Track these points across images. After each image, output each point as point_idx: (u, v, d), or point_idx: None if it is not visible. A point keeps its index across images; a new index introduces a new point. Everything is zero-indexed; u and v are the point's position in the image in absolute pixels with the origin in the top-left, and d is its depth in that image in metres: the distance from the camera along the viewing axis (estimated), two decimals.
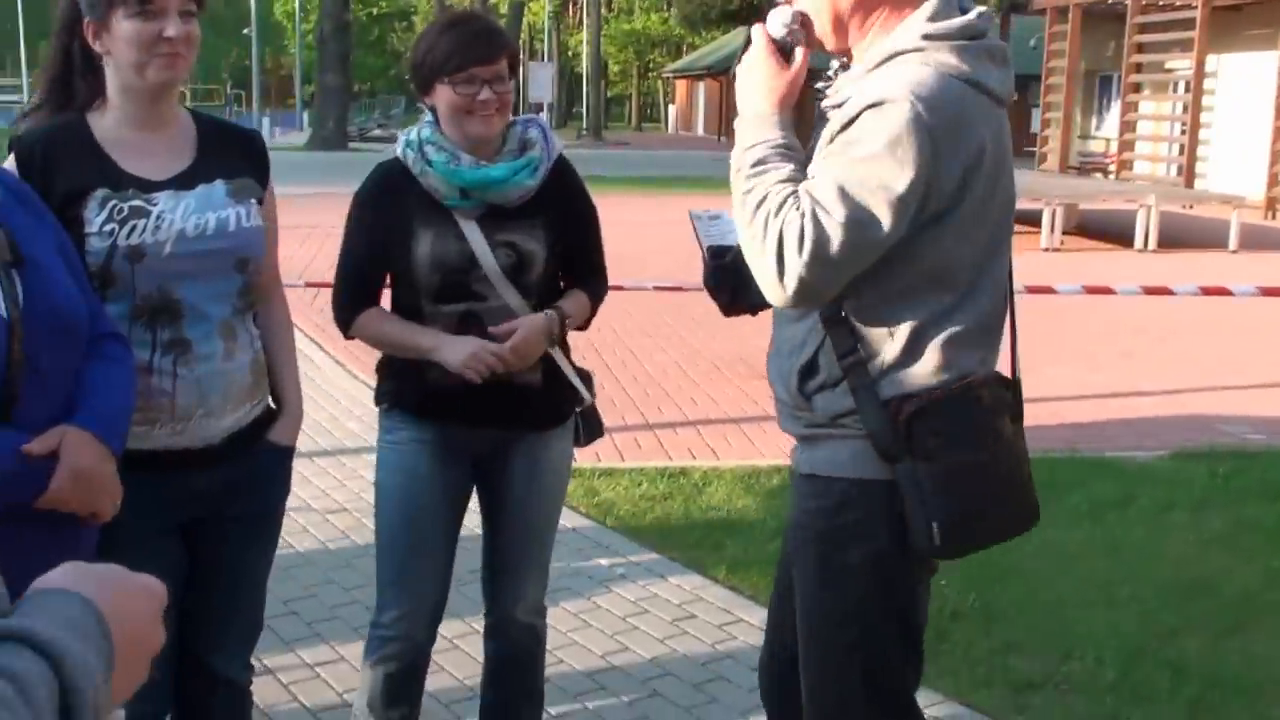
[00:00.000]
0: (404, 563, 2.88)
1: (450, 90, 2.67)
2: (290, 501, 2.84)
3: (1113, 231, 15.33)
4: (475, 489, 3.00)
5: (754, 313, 2.41)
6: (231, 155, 2.45)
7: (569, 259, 2.92)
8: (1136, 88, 23.80)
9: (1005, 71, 2.09)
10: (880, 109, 1.96)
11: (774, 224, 1.96)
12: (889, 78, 2.00)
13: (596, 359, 8.41)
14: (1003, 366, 2.23)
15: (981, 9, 2.11)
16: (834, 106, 2.09)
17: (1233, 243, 15.11)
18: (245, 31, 52.06)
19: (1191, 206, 18.59)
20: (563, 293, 2.92)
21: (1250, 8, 21.59)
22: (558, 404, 2.93)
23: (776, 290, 1.98)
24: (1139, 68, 23.42)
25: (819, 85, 2.21)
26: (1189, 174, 21.32)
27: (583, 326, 2.97)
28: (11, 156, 2.27)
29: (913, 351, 2.06)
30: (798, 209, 1.96)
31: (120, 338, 2.17)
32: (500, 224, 2.75)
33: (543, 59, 54.42)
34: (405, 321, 2.78)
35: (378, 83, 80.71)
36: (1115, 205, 16.51)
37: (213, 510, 2.46)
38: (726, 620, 4.21)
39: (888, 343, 2.07)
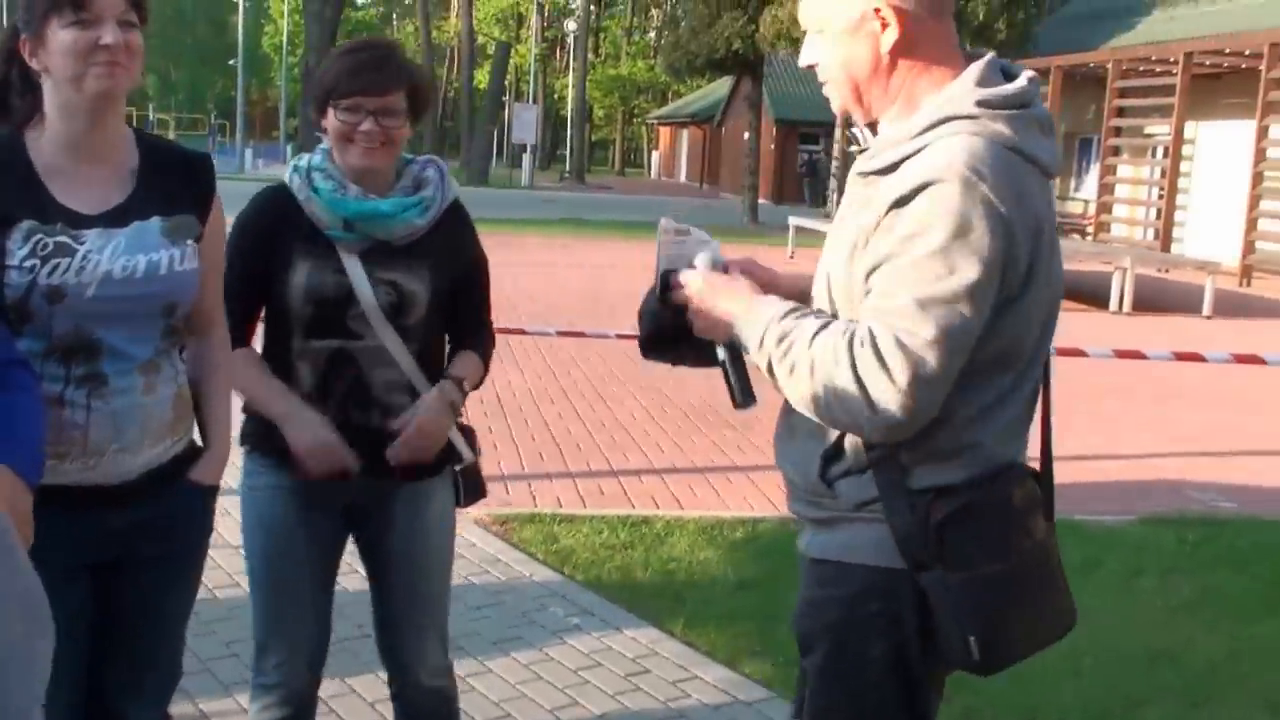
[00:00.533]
0: (274, 614, 2.77)
1: (334, 115, 2.58)
2: (236, 540, 2.73)
3: (1087, 292, 15.34)
4: (355, 542, 2.87)
5: (673, 363, 2.23)
6: (173, 185, 2.32)
7: (455, 309, 2.81)
8: (1115, 151, 24.00)
9: (1050, 141, 1.96)
10: (938, 190, 1.80)
11: (841, 374, 1.82)
12: (940, 151, 1.85)
13: (565, 403, 8.31)
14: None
15: (1030, 74, 1.99)
16: (874, 172, 1.96)
17: (1207, 308, 15.12)
18: (231, 63, 52.04)
19: (1167, 271, 18.67)
20: (446, 352, 2.82)
21: (1229, 76, 21.85)
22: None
23: (877, 428, 1.83)
24: (1118, 132, 23.62)
25: (852, 149, 2.12)
26: (1165, 238, 21.44)
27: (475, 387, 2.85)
28: None
29: (953, 442, 1.91)
30: (864, 344, 1.81)
31: (26, 364, 2.06)
32: (384, 261, 2.65)
33: (528, 101, 54.57)
34: (267, 375, 2.65)
35: None
36: (1091, 266, 16.55)
37: (127, 551, 2.34)
38: (681, 677, 4.09)
39: (927, 431, 1.88)
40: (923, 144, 1.89)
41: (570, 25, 55.63)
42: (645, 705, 3.89)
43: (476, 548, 5.26)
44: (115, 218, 2.21)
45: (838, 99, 2.04)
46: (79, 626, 2.30)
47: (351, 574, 3.14)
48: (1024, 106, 1.91)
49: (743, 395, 2.06)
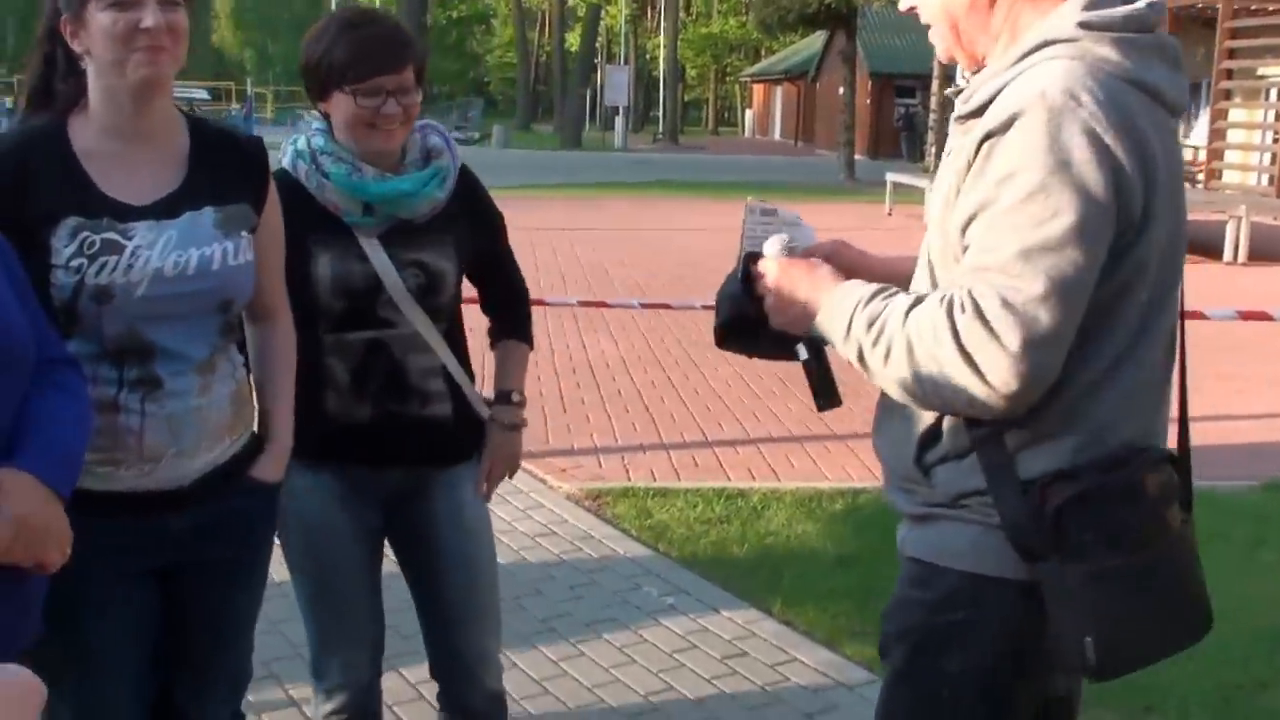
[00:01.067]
0: (330, 615, 2.68)
1: (351, 101, 2.40)
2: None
3: (1199, 243, 14.80)
4: (389, 541, 2.76)
5: (749, 355, 2.07)
6: (227, 172, 2.20)
7: (484, 279, 2.74)
8: (1227, 94, 23.09)
9: (1177, 75, 1.74)
10: (1029, 120, 1.60)
11: (944, 348, 1.61)
12: (1034, 78, 1.65)
13: (658, 371, 8.19)
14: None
15: None
16: (970, 115, 1.75)
17: None
18: None
19: None
20: (462, 323, 2.70)
21: None
22: (472, 432, 2.70)
23: (994, 402, 1.62)
24: (1230, 74, 22.70)
25: (948, 92, 1.93)
26: None
27: None
28: None
29: (1065, 418, 1.70)
30: (964, 309, 1.61)
31: (74, 364, 1.97)
32: (406, 242, 2.51)
33: (620, 62, 54.31)
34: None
35: (456, 85, 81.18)
36: (1203, 216, 16.00)
37: (191, 554, 2.25)
38: (779, 659, 3.96)
39: (1040, 407, 1.67)
40: (1017, 74, 1.69)
41: None
42: (742, 689, 3.77)
43: (569, 524, 5.18)
44: (166, 208, 2.11)
45: (940, 43, 1.85)
46: (146, 631, 2.24)
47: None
48: (1143, 30, 1.70)
49: (825, 397, 1.91)
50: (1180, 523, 1.77)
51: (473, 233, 2.61)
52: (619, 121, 46.08)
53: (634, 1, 57.24)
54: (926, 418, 1.77)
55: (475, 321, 2.74)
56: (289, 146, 2.53)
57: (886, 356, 1.68)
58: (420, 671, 3.04)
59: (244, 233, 2.18)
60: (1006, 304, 1.58)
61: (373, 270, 2.46)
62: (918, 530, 1.86)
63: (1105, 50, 1.66)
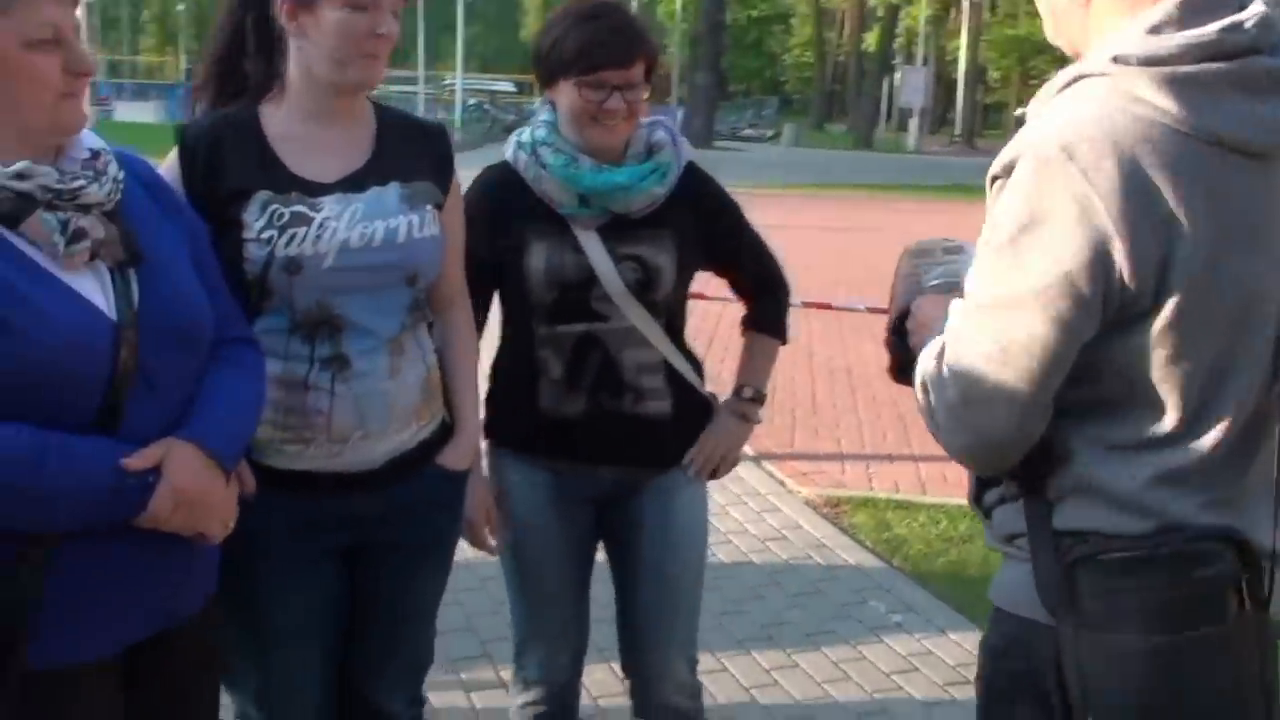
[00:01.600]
0: (534, 611, 2.67)
1: (576, 92, 2.37)
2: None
3: None
4: (604, 547, 2.71)
5: None
6: (411, 154, 2.21)
7: (729, 271, 2.65)
8: None
9: (1269, 106, 1.49)
10: (1020, 169, 1.50)
11: (920, 390, 1.63)
12: (1045, 121, 1.53)
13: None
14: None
15: (1264, 9, 1.51)
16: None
17: None
18: None
19: None
20: (743, 331, 2.65)
21: None
22: (691, 435, 2.60)
23: (952, 452, 1.62)
24: None
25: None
26: None
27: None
28: (175, 150, 2.13)
29: (1099, 479, 1.57)
30: (935, 356, 1.61)
31: (253, 344, 2.00)
32: (624, 236, 2.44)
33: (918, 63, 53.24)
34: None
35: (753, 83, 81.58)
36: None
37: (375, 537, 2.26)
38: None
39: (1067, 462, 1.59)
40: (1046, 110, 1.56)
41: None
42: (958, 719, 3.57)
43: (803, 530, 5.06)
44: (353, 184, 2.13)
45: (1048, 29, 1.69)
46: (333, 611, 2.28)
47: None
48: (1219, 58, 1.47)
49: None
50: (1238, 619, 1.55)
51: (700, 228, 2.54)
52: (913, 123, 45.19)
53: (935, 1, 55.90)
54: None
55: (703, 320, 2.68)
56: (513, 139, 2.53)
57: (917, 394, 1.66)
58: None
59: (428, 206, 2.18)
60: (953, 357, 1.56)
61: (587, 263, 2.43)
62: (997, 572, 1.77)
63: (1142, 89, 1.47)
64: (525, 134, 2.51)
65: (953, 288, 1.72)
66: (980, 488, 1.71)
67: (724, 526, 4.95)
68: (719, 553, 4.72)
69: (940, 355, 1.59)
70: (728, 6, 43.32)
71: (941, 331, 1.64)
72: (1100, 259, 1.46)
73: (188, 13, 64.04)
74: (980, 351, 1.53)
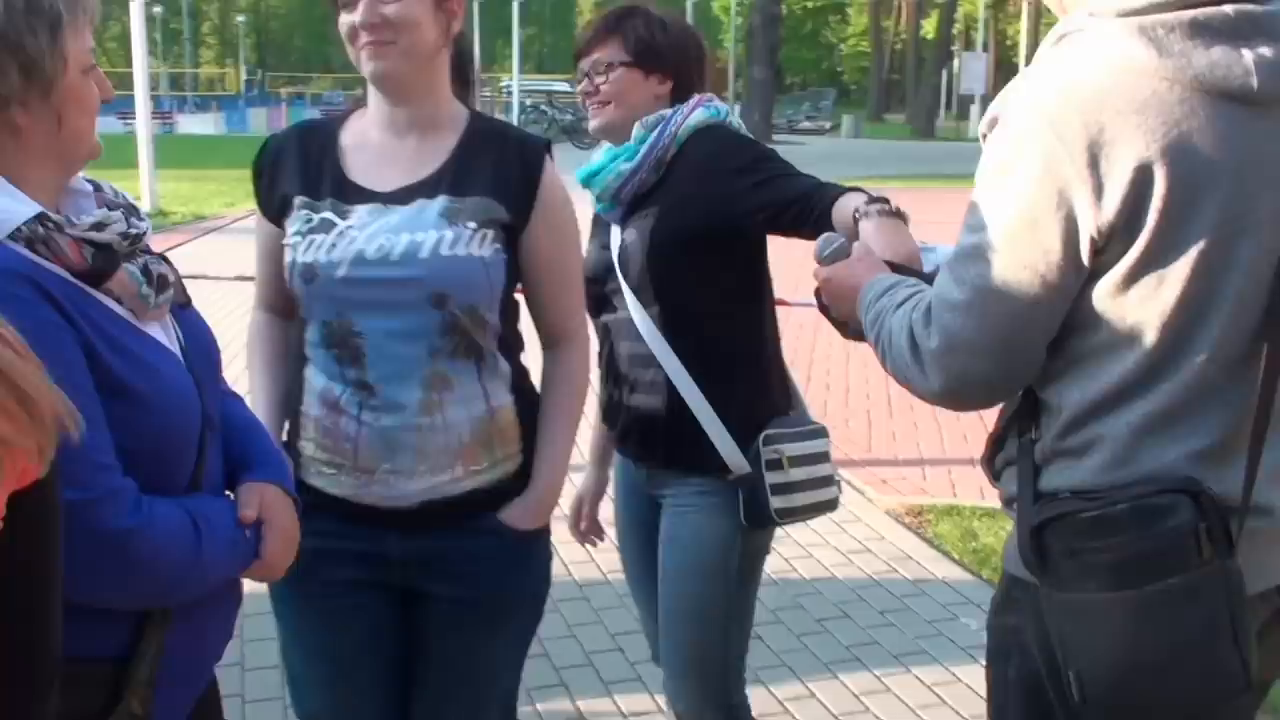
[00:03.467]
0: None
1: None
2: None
3: None
4: None
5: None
6: (486, 167, 2.04)
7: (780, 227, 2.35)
8: None
9: (1256, 52, 1.48)
10: (1000, 126, 1.56)
11: (902, 340, 1.64)
12: (1024, 79, 1.57)
13: None
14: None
15: None
16: None
17: None
18: None
19: None
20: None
21: None
22: (691, 439, 2.40)
23: (932, 398, 1.65)
24: None
25: None
26: None
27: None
28: None
29: (1082, 437, 1.59)
30: (917, 306, 1.64)
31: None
32: (627, 220, 2.45)
33: (978, 50, 52.59)
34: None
35: (810, 75, 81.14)
36: None
37: (422, 583, 2.11)
38: None
39: (1054, 423, 1.62)
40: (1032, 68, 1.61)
41: None
42: None
43: (885, 542, 4.88)
44: (402, 195, 2.00)
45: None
46: (384, 644, 2.15)
47: None
48: (1187, 7, 1.49)
49: None
50: (1206, 565, 1.53)
51: (684, 204, 2.35)
52: (974, 110, 44.59)
53: None
54: (1000, 423, 1.73)
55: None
56: None
57: (877, 345, 1.71)
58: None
59: (472, 224, 1.98)
60: (934, 306, 1.61)
61: (608, 256, 2.46)
62: None
63: (1116, 39, 1.50)
64: None
65: (840, 255, 1.88)
66: (992, 449, 1.75)
67: (803, 540, 4.78)
68: (799, 568, 4.56)
69: (917, 305, 1.64)
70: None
71: (853, 290, 1.79)
72: (1064, 209, 1.49)
73: (247, 24, 64.83)
74: (957, 299, 1.58)
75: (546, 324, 2.14)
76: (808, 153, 29.97)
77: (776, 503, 2.37)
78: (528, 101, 39.74)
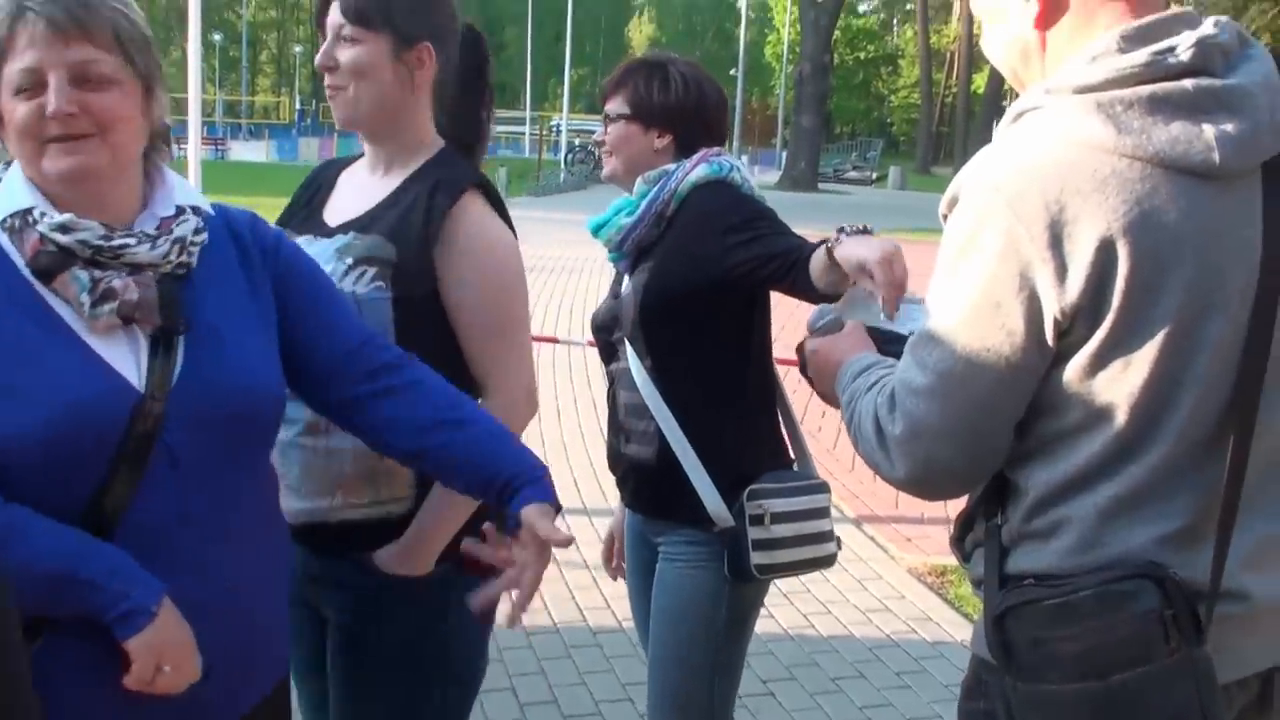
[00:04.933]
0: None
1: None
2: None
3: None
4: None
5: None
6: (394, 211, 2.01)
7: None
8: None
9: (1221, 123, 1.45)
10: (958, 207, 1.52)
11: (868, 426, 1.62)
12: (979, 159, 1.54)
13: None
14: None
15: (1208, 31, 1.49)
16: None
17: None
18: (732, 72, 53.79)
19: None
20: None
21: None
22: (679, 495, 2.40)
23: (899, 485, 1.61)
24: None
25: None
26: None
27: None
28: None
29: (1048, 519, 1.54)
30: (882, 390, 1.62)
31: (403, 356, 1.83)
32: (635, 274, 2.49)
33: None
34: None
35: (859, 124, 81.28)
36: None
37: (323, 606, 2.09)
38: None
39: (1021, 505, 1.57)
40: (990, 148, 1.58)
41: None
42: None
43: (906, 601, 4.81)
44: (337, 229, 2.04)
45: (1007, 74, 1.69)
46: (316, 662, 2.14)
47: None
48: (1145, 83, 1.46)
49: None
50: (1174, 656, 1.46)
51: (678, 262, 2.38)
52: None
53: None
54: (969, 501, 1.69)
55: None
56: None
57: (850, 427, 1.69)
58: None
59: (349, 259, 1.97)
60: (897, 391, 1.58)
61: (615, 305, 2.52)
62: None
63: (1073, 117, 1.47)
64: None
65: (832, 328, 1.86)
66: (961, 529, 1.69)
67: (823, 595, 4.73)
68: (817, 625, 4.50)
69: (883, 389, 1.61)
70: (834, 48, 43.08)
71: (835, 366, 1.76)
72: (1026, 290, 1.46)
73: (304, 54, 65.57)
74: (921, 384, 1.53)
75: (471, 370, 2.04)
76: (849, 203, 29.99)
77: (757, 558, 2.36)
78: (575, 141, 40.02)
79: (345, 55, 1.97)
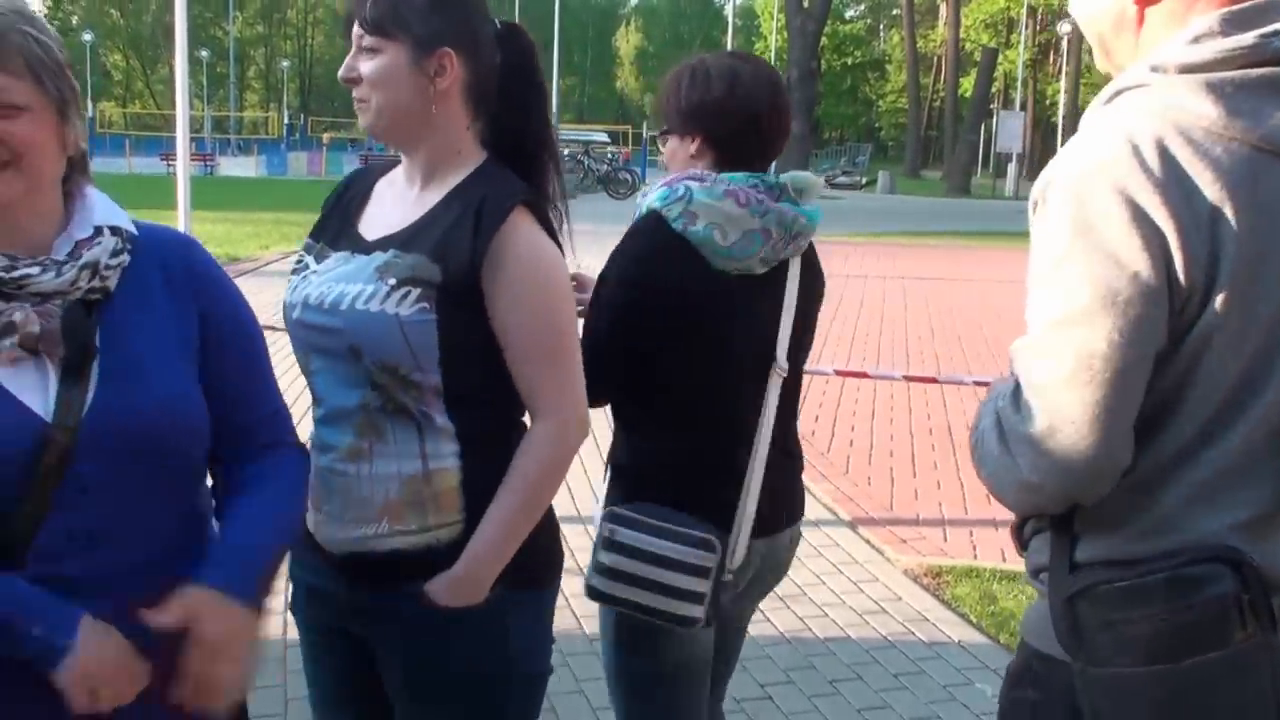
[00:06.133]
0: None
1: None
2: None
3: None
4: None
5: None
6: (438, 229, 1.93)
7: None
8: None
9: None
10: (1056, 188, 1.49)
11: (992, 441, 1.58)
12: (1082, 137, 1.51)
13: None
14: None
15: None
16: None
17: None
18: None
19: None
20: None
21: None
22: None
23: (1036, 496, 1.56)
24: None
25: None
26: None
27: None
28: None
29: (1129, 504, 1.53)
30: (1004, 396, 1.58)
31: (291, 447, 1.82)
32: None
33: (1015, 108, 52.58)
34: None
35: (847, 130, 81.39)
36: None
37: (372, 638, 2.03)
38: None
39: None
40: (1084, 126, 1.56)
41: (1064, 27, 52.85)
42: None
43: (902, 603, 4.80)
44: (376, 244, 1.97)
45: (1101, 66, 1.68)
46: (350, 691, 2.13)
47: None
48: (1247, 66, 1.46)
49: None
50: (1248, 643, 1.46)
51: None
52: (1011, 168, 44.57)
53: (1034, 45, 55.25)
54: None
55: None
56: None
57: (974, 455, 1.63)
58: None
59: (392, 280, 1.89)
60: (1032, 385, 1.51)
61: None
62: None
63: (1180, 95, 1.47)
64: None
65: None
66: (1024, 520, 1.67)
67: (819, 598, 4.72)
68: (814, 627, 4.50)
69: (1011, 393, 1.55)
70: (821, 54, 43.17)
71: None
72: (1162, 253, 1.43)
73: (291, 69, 65.50)
74: (1062, 373, 1.47)
75: (520, 394, 1.97)
76: (839, 207, 30.01)
77: (593, 579, 2.32)
78: (565, 151, 40.02)
79: (366, 66, 1.93)
